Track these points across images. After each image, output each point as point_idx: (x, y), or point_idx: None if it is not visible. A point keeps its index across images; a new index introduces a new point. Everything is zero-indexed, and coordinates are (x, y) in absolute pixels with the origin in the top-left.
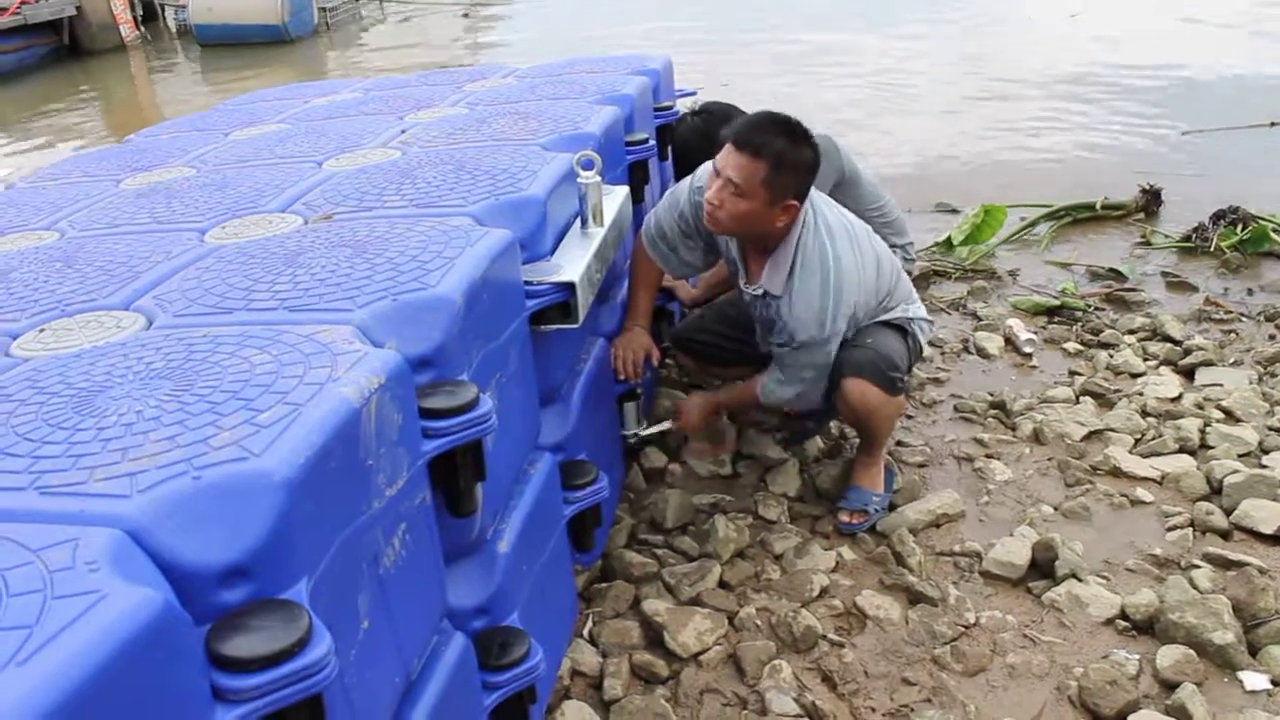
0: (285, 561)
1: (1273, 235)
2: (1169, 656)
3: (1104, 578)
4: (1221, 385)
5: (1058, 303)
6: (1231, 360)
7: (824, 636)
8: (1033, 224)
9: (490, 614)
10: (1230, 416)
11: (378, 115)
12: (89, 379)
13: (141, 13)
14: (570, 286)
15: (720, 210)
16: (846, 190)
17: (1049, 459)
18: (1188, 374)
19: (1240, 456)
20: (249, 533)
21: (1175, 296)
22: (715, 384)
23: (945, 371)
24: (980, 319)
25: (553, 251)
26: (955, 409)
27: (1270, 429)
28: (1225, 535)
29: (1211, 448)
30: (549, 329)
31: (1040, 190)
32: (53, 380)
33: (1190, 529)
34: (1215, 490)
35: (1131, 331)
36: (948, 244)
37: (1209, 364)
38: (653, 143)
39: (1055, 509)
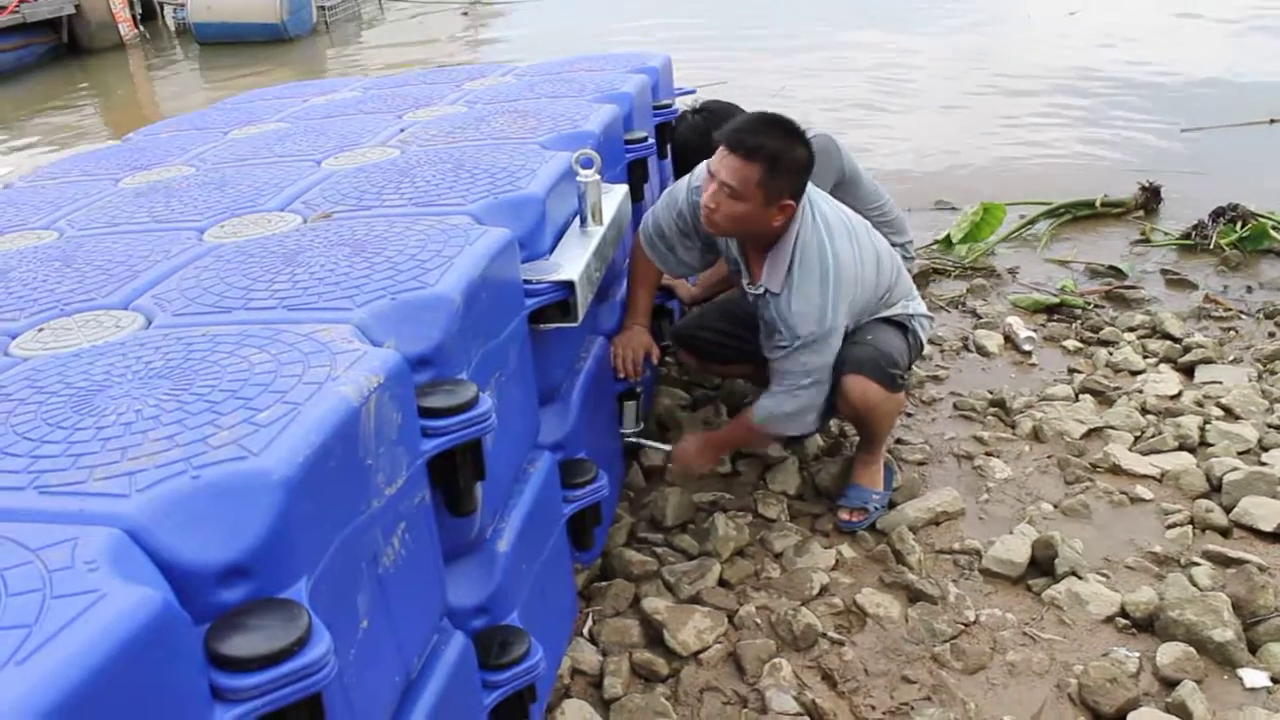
0: (284, 560)
1: (1272, 233)
2: (1169, 654)
3: (1104, 575)
4: (1221, 383)
5: (1057, 300)
6: (1231, 358)
7: (824, 635)
8: (1032, 222)
9: (490, 613)
10: (1230, 414)
11: (376, 114)
12: (88, 378)
13: (140, 11)
14: (569, 285)
15: (717, 213)
16: (846, 189)
17: (1049, 457)
18: (1187, 371)
19: (1240, 454)
20: (248, 532)
21: (1175, 294)
22: (715, 382)
23: (945, 369)
24: (980, 317)
25: (552, 250)
26: (955, 407)
27: (1270, 426)
28: (1225, 533)
29: (1211, 445)
30: (548, 327)
31: (1039, 188)
32: (52, 379)
33: (1190, 526)
34: (1215, 488)
35: (1131, 329)
36: (947, 242)
37: (1208, 361)
38: (652, 141)
39: (1055, 507)
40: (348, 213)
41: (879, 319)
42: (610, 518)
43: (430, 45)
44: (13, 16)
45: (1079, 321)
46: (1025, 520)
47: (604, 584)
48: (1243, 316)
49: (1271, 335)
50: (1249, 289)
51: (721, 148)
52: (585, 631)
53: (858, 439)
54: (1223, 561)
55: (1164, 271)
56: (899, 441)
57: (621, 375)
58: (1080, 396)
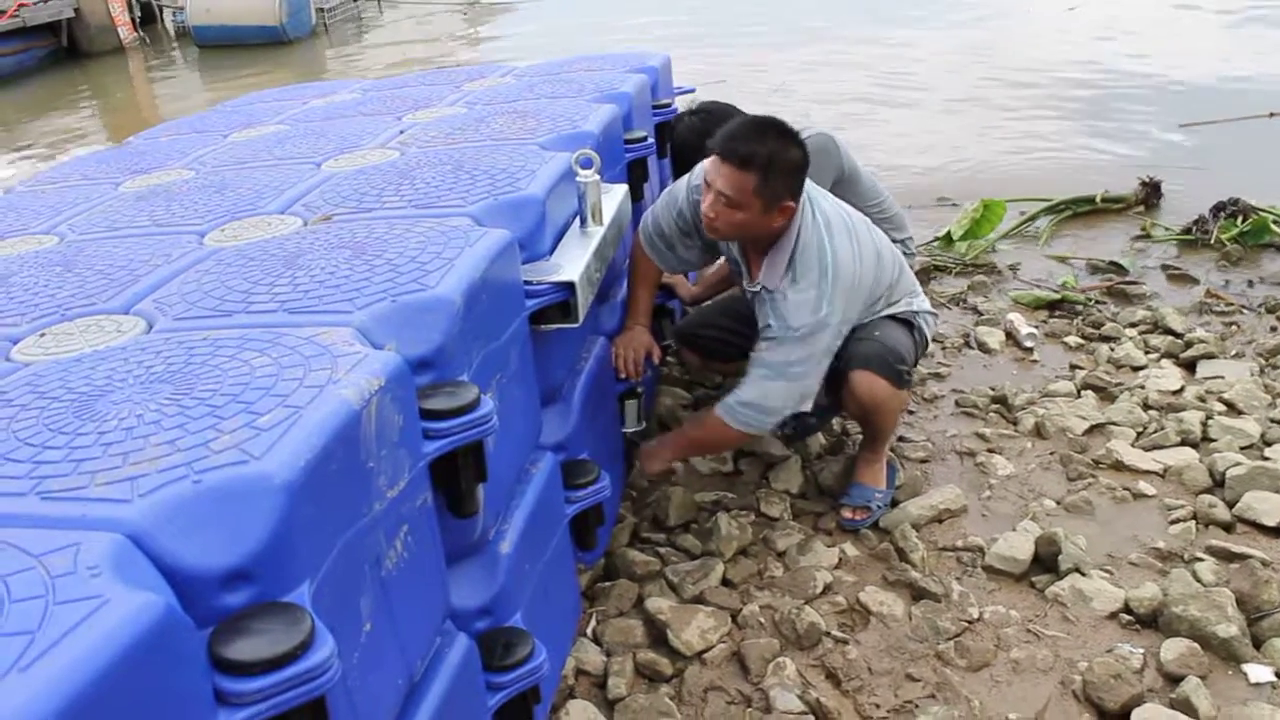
0: (287, 564)
1: (1273, 227)
2: (1173, 650)
3: (1107, 571)
4: (1223, 378)
5: (1058, 297)
6: (1233, 352)
7: (827, 633)
8: (1032, 218)
9: (493, 615)
10: (1232, 409)
11: (376, 116)
12: (89, 383)
13: (140, 15)
14: (570, 286)
15: (717, 221)
16: (846, 187)
17: (1051, 453)
18: (1189, 367)
19: (1242, 449)
20: (250, 536)
21: (1176, 289)
22: (717, 380)
23: (946, 366)
24: (981, 314)
25: (552, 251)
26: (957, 404)
27: (1272, 421)
28: (1228, 528)
29: (1213, 440)
30: (549, 328)
31: (1040, 184)
32: (53, 385)
33: (1193, 522)
34: (1218, 483)
35: (1133, 325)
36: (947, 239)
37: (1210, 356)
38: (651, 140)
39: (1058, 503)
40: (348, 215)
41: (884, 316)
42: (613, 518)
43: (429, 46)
44: (12, 21)
45: (1080, 317)
46: (1028, 517)
47: (607, 584)
48: (1244, 311)
49: (1273, 329)
50: (1250, 283)
51: (715, 158)
52: (589, 632)
53: (860, 437)
54: (1226, 557)
55: (1165, 267)
56: (901, 439)
57: (623, 375)
58: (1082, 392)
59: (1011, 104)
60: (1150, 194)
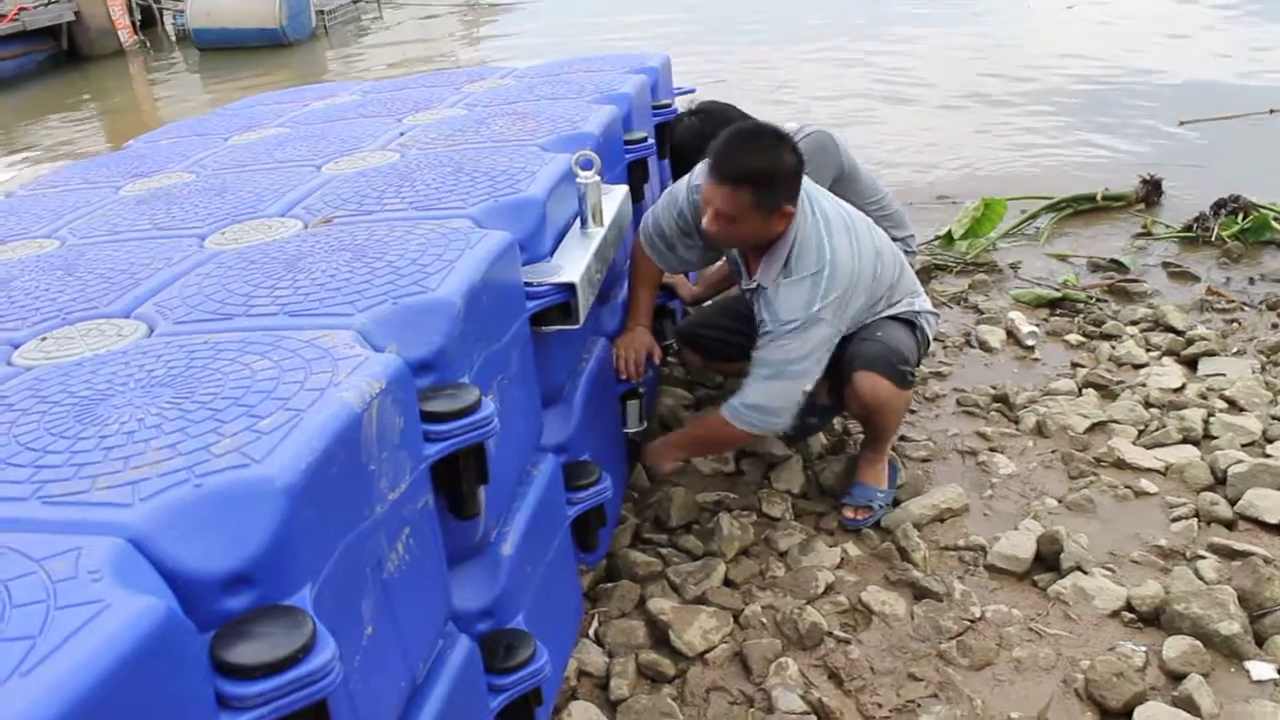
0: (288, 567)
1: (1274, 224)
2: (1175, 648)
3: (1109, 570)
4: (1224, 375)
5: (1059, 295)
6: (1234, 350)
7: (830, 633)
8: (1033, 216)
9: (495, 616)
10: (1234, 406)
11: (376, 118)
12: (91, 387)
13: (140, 18)
14: (570, 287)
15: (719, 235)
16: (845, 184)
17: (1052, 451)
18: (1190, 364)
19: (1244, 446)
20: (251, 539)
21: (1177, 287)
22: (718, 380)
23: (948, 365)
24: (982, 312)
25: (552, 252)
26: (958, 403)
27: (1274, 418)
28: (1230, 525)
29: (1215, 438)
30: (550, 330)
31: (1040, 182)
32: (55, 389)
33: (1195, 519)
34: (1219, 480)
35: (1134, 322)
36: (948, 238)
37: (1212, 354)
38: (652, 141)
39: (1059, 501)
40: (348, 217)
41: (886, 316)
42: (615, 519)
43: (429, 48)
44: (12, 24)
45: (1081, 316)
46: (1030, 516)
47: (609, 585)
48: (1245, 308)
49: (1275, 327)
50: (1251, 280)
51: (709, 178)
52: (591, 633)
53: (862, 437)
54: (1228, 554)
55: (1166, 264)
56: (903, 438)
57: (624, 376)
58: (1083, 391)
59: (1011, 101)
60: (1151, 191)
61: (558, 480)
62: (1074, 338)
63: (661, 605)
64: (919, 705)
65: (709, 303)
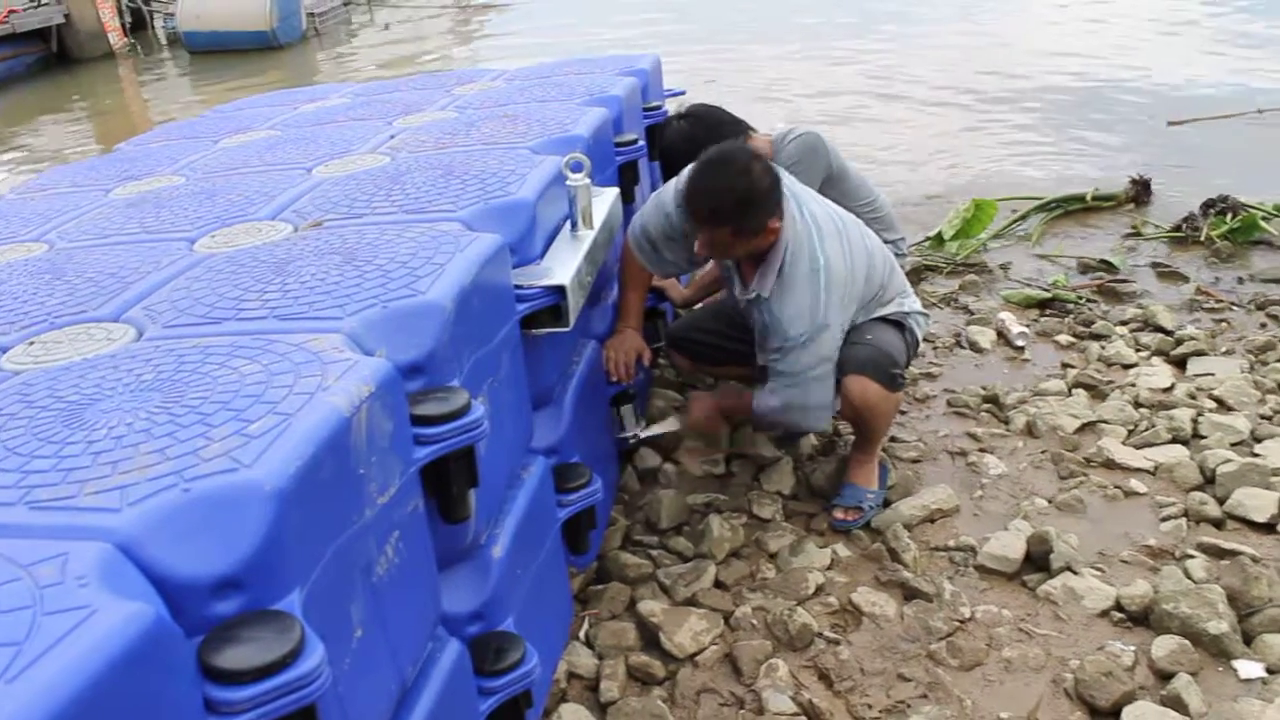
0: (277, 572)
1: (1262, 224)
2: (1164, 647)
3: (1099, 569)
4: (1213, 374)
5: (1049, 295)
6: (1223, 349)
7: (820, 634)
8: (1023, 217)
9: (485, 619)
10: (1222, 405)
11: (366, 120)
12: (79, 392)
13: (130, 21)
14: (561, 290)
15: (712, 256)
16: (834, 185)
17: (1042, 452)
18: (1180, 364)
19: (1233, 445)
20: (240, 544)
21: (1166, 287)
22: (709, 382)
23: (938, 366)
24: (972, 313)
25: (543, 255)
26: (948, 403)
27: (1262, 417)
28: (1219, 524)
29: (1204, 437)
30: (540, 333)
31: (1030, 182)
32: (42, 394)
33: (1184, 519)
34: (1208, 480)
35: (1123, 323)
36: (938, 239)
37: (1201, 354)
38: (642, 143)
39: (1049, 502)
40: (338, 221)
41: (876, 318)
42: (605, 521)
43: (420, 50)
44: (2, 27)
45: (1071, 316)
46: (1020, 516)
47: (600, 587)
48: (1234, 308)
49: (1263, 326)
50: (1240, 280)
51: (691, 218)
52: (581, 635)
53: (852, 438)
54: (1217, 553)
55: (1155, 264)
56: (893, 439)
57: (614, 378)
58: (1073, 391)
59: (1002, 101)
60: (1140, 192)
61: (548, 483)
62: (1064, 338)
63: (652, 607)
64: (909, 706)
65: (699, 306)
